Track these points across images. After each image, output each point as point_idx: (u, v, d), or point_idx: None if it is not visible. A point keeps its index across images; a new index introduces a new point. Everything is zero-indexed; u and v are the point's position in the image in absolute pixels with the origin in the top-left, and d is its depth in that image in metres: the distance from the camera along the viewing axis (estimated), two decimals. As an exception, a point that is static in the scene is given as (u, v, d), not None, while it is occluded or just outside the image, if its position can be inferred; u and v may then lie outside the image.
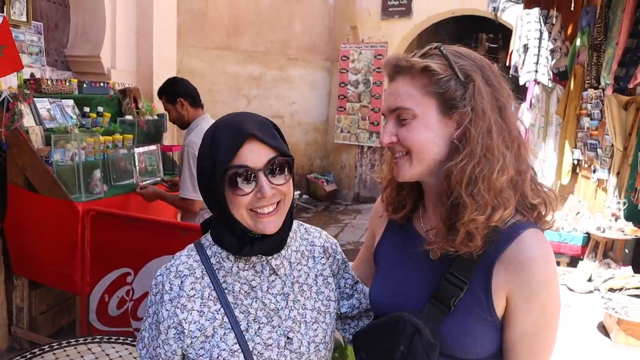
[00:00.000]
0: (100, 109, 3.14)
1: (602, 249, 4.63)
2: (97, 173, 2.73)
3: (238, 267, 0.93)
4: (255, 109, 7.22)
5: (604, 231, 4.47)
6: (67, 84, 3.00)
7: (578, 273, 4.65)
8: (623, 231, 4.40)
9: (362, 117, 7.56)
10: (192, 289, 0.91)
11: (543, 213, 0.92)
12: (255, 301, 0.92)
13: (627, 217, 4.49)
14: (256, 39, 7.08)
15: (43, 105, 2.77)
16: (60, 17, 3.52)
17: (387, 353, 0.91)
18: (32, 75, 2.97)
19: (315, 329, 0.97)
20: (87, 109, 3.06)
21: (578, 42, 5.22)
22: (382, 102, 0.98)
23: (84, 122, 2.98)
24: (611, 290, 4.13)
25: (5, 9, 2.95)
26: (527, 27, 5.60)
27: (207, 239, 0.97)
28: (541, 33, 5.54)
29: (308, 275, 1.01)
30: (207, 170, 0.89)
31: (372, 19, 7.37)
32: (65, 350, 1.86)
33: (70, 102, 2.99)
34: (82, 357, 1.82)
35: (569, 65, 5.41)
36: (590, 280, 4.56)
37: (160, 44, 3.86)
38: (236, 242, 0.91)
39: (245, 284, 0.92)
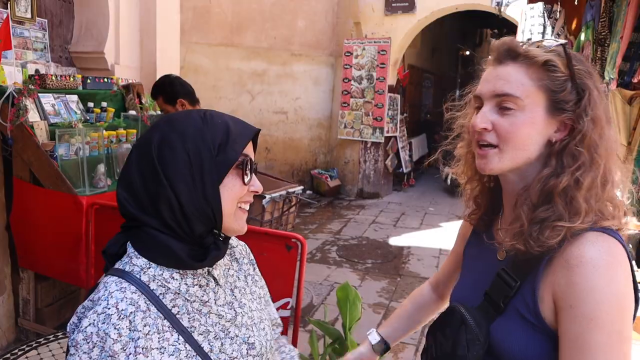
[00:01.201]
0: (104, 104, 3.17)
1: (606, 244, 4.63)
2: (101, 167, 2.77)
3: (187, 284, 0.85)
4: (259, 105, 7.28)
5: (607, 226, 4.47)
6: (72, 79, 3.03)
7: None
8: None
9: (366, 113, 7.56)
10: (145, 325, 0.78)
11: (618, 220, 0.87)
12: (209, 317, 0.87)
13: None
14: (259, 35, 7.10)
15: (48, 100, 2.80)
16: (65, 14, 3.55)
17: (442, 342, 0.93)
18: (36, 71, 3.00)
19: (264, 328, 0.97)
20: (91, 104, 3.09)
21: (582, 36, 5.18)
22: (481, 84, 0.90)
23: (88, 117, 3.01)
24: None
25: (9, 5, 2.99)
26: (530, 22, 5.59)
27: (133, 265, 0.83)
28: (545, 28, 5.53)
29: (238, 278, 1.00)
30: (209, 151, 0.82)
31: (375, 15, 7.36)
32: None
33: (75, 97, 3.02)
34: (85, 346, 1.86)
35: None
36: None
37: (163, 40, 3.89)
38: (193, 250, 0.84)
39: (195, 301, 0.86)
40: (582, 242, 0.79)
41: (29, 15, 3.12)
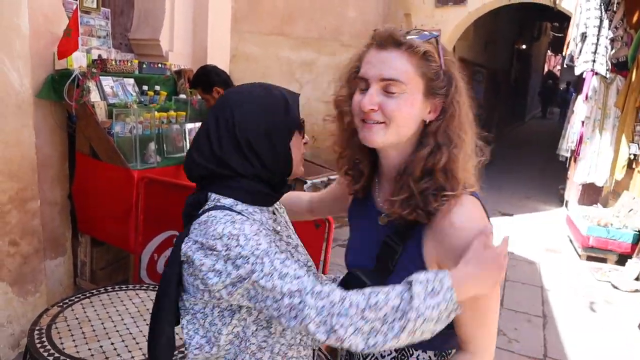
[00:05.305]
0: (157, 87, 3.41)
1: (653, 248, 4.46)
2: (152, 145, 3.01)
3: (264, 217, 1.03)
4: (307, 94, 7.42)
5: (654, 228, 4.31)
6: (129, 64, 3.29)
7: (625, 271, 4.51)
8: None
9: (412, 105, 7.55)
10: (256, 225, 0.95)
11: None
12: (281, 242, 1.05)
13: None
14: (309, 25, 7.24)
15: (107, 83, 3.07)
16: (125, 4, 3.83)
17: None
18: (99, 56, 3.28)
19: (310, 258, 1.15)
20: (145, 88, 3.33)
21: (643, 30, 4.97)
22: (366, 67, 0.98)
23: (142, 99, 3.26)
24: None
25: (79, -4, 3.28)
26: (586, 15, 5.38)
27: (222, 203, 0.97)
28: (601, 21, 5.31)
29: (283, 215, 1.19)
30: (279, 125, 1.00)
31: (426, 7, 7.31)
32: (117, 293, 2.15)
33: (131, 80, 3.27)
34: (130, 299, 2.10)
35: (632, 55, 5.15)
36: (638, 279, 4.41)
37: (214, 29, 4.10)
38: (270, 189, 1.03)
39: (271, 229, 1.03)
40: (449, 211, 0.95)
41: (94, 6, 3.41)
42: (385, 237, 1.03)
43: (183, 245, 0.94)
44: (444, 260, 0.96)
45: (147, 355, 1.02)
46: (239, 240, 0.88)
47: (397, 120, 0.95)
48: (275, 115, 1.00)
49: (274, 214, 1.09)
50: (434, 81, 0.95)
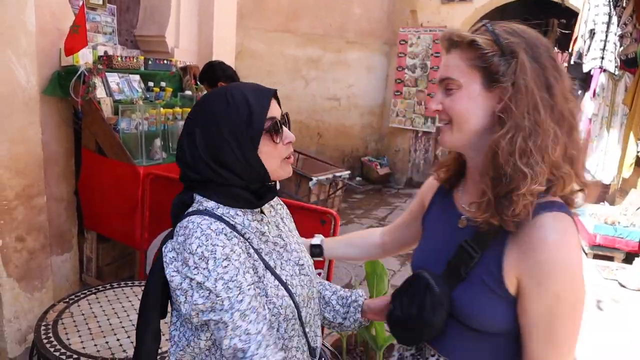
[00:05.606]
0: (163, 84, 3.41)
1: (661, 246, 4.43)
2: (158, 141, 3.02)
3: (248, 219, 1.01)
4: (312, 91, 7.44)
5: (662, 226, 4.27)
6: (135, 60, 3.29)
7: (632, 270, 4.47)
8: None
9: (418, 102, 7.52)
10: (233, 237, 0.95)
11: (577, 198, 0.92)
12: (268, 244, 1.04)
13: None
14: (314, 22, 7.22)
15: (113, 79, 3.07)
16: (131, 0, 3.84)
17: (408, 307, 1.00)
18: (105, 52, 3.28)
19: (304, 251, 1.15)
20: (151, 84, 3.33)
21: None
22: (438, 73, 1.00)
23: (148, 96, 3.26)
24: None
25: (85, -8, 3.28)
26: (594, 11, 5.33)
27: (205, 206, 0.98)
28: (610, 17, 5.25)
29: (282, 218, 1.17)
30: (239, 130, 0.96)
31: (432, 3, 7.28)
32: (123, 289, 2.15)
33: (137, 77, 3.27)
34: (135, 295, 2.11)
35: (640, 51, 5.11)
36: (644, 277, 4.38)
37: (220, 26, 4.10)
38: (252, 196, 1.01)
39: (257, 232, 1.02)
40: (543, 225, 0.86)
41: (100, 2, 3.41)
42: (462, 242, 0.96)
43: (164, 248, 0.96)
44: (524, 277, 0.87)
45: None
46: (208, 264, 0.89)
47: (456, 115, 0.94)
48: (237, 130, 0.96)
49: (261, 213, 1.07)
50: (492, 68, 0.90)
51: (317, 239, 1.41)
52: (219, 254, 0.90)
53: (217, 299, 0.89)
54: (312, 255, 1.36)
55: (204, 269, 0.89)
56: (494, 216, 0.89)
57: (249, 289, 0.92)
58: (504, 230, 0.89)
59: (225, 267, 0.90)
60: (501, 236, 0.90)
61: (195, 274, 0.89)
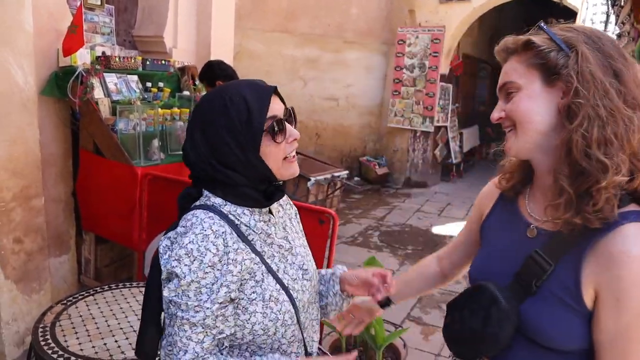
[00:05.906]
0: (161, 84, 3.40)
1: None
2: (156, 142, 3.01)
3: (254, 219, 1.00)
4: (311, 91, 7.44)
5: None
6: (133, 61, 3.28)
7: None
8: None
9: (417, 102, 7.52)
10: (234, 242, 0.95)
11: None
12: (272, 246, 1.03)
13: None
14: (313, 22, 7.22)
15: (111, 79, 3.07)
16: (129, 1, 3.83)
17: (469, 319, 0.95)
18: (103, 53, 3.27)
19: (309, 255, 1.14)
20: (149, 84, 3.32)
21: (648, 25, 4.92)
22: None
23: (146, 96, 3.26)
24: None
25: (82, -7, 3.27)
26: (592, 10, 5.35)
27: (212, 202, 0.98)
28: (608, 16, 5.27)
29: (290, 219, 1.15)
30: (239, 131, 0.94)
31: (430, 3, 7.28)
32: (121, 291, 2.14)
33: (135, 77, 3.26)
34: (134, 296, 2.10)
35: (639, 50, 5.11)
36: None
37: (218, 26, 4.10)
38: (261, 195, 1.00)
39: (262, 233, 1.01)
40: (626, 237, 0.80)
41: (98, 2, 3.40)
42: (532, 253, 0.90)
43: (163, 237, 0.96)
44: (603, 290, 0.82)
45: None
46: (192, 265, 0.90)
47: (519, 117, 0.91)
48: (237, 132, 0.95)
49: (270, 213, 1.06)
50: (549, 63, 0.87)
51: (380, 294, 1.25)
52: (207, 259, 0.90)
53: (183, 297, 0.90)
54: (381, 306, 1.29)
55: (186, 265, 0.89)
56: (577, 215, 0.83)
57: (213, 304, 0.91)
58: (581, 240, 0.84)
59: (207, 273, 0.90)
60: (578, 246, 0.85)
61: (178, 267, 0.90)
